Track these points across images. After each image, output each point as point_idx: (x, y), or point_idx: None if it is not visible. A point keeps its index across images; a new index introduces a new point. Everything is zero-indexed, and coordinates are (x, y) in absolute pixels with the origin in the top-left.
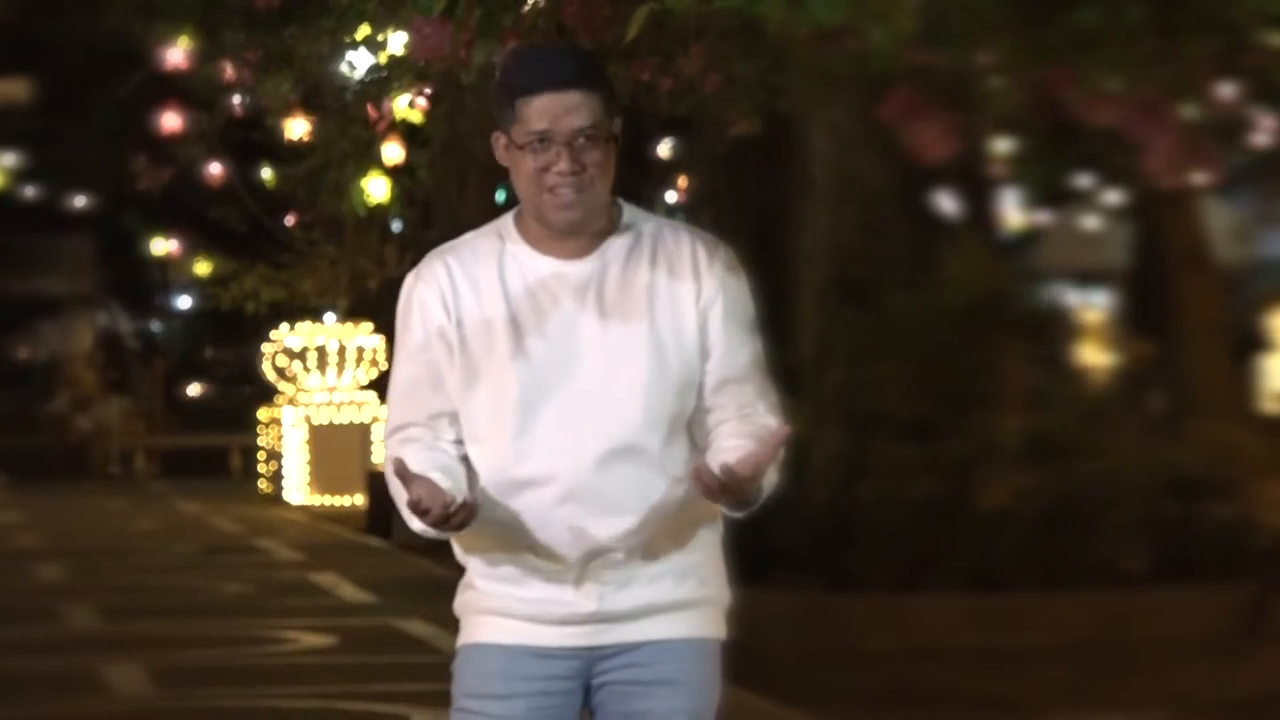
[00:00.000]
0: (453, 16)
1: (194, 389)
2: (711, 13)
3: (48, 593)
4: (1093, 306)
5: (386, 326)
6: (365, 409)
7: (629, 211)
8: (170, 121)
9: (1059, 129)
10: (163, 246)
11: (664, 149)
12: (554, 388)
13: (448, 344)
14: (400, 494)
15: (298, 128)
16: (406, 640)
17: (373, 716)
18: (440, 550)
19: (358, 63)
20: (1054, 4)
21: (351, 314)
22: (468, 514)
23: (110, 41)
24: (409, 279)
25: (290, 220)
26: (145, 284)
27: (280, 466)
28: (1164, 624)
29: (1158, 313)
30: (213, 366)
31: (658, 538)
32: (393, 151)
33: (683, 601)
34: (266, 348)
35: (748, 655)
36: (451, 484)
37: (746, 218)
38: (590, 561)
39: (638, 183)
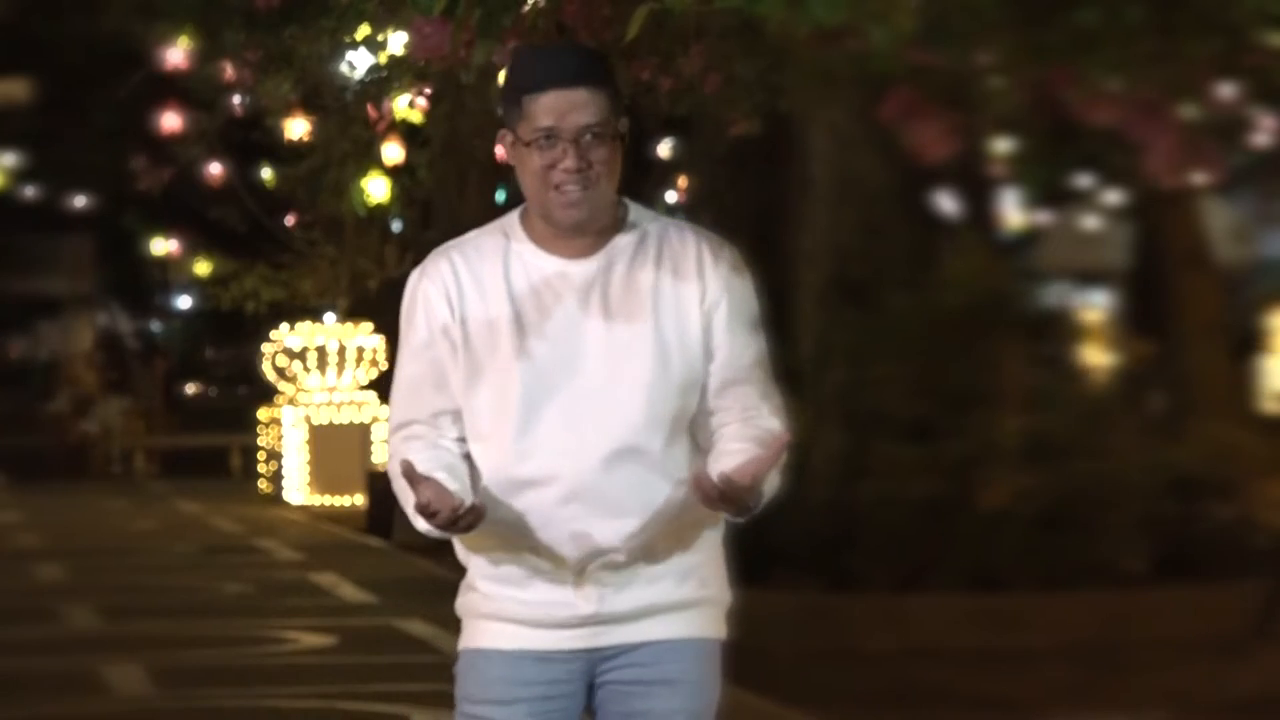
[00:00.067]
0: (453, 16)
1: (190, 388)
2: (711, 13)
3: (48, 593)
4: (1093, 306)
5: (386, 326)
6: (365, 409)
7: (634, 211)
8: (170, 121)
9: (1059, 129)
10: (163, 246)
11: (664, 149)
12: (557, 387)
13: (451, 342)
14: (406, 494)
15: (298, 128)
16: (406, 640)
17: (373, 716)
18: (440, 550)
19: (358, 63)
20: (1054, 4)
21: (351, 314)
22: (475, 517)
23: (110, 41)
24: (414, 276)
25: (290, 220)
26: (145, 284)
27: (280, 466)
28: (1164, 624)
29: (1158, 313)
30: (212, 366)
31: (659, 539)
32: (393, 151)
33: (683, 602)
34: (266, 348)
35: (748, 655)
36: (457, 485)
37: (746, 218)
38: (591, 563)
39: (638, 183)
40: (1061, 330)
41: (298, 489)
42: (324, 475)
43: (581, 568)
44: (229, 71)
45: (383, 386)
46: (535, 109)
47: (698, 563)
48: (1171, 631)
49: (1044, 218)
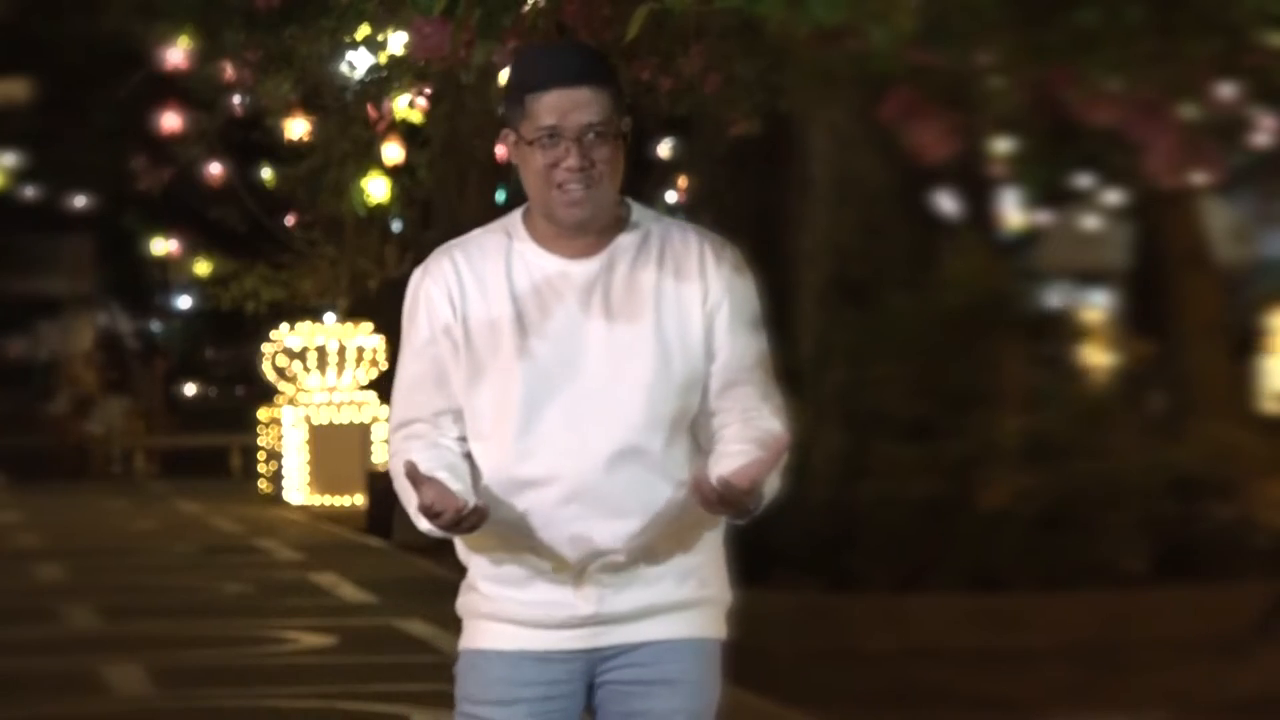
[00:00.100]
0: (453, 16)
1: (189, 388)
2: (711, 13)
3: (48, 593)
4: (1093, 306)
5: (386, 326)
6: (365, 409)
7: (637, 211)
8: (170, 121)
9: (1059, 129)
10: (163, 246)
11: (664, 149)
12: (559, 387)
13: (453, 341)
14: (408, 492)
15: (298, 128)
16: (406, 640)
17: (373, 716)
18: (440, 550)
19: (358, 63)
20: (1054, 4)
21: (351, 314)
22: (479, 518)
23: (110, 41)
24: (416, 274)
25: (290, 220)
26: (145, 284)
27: (280, 466)
28: (1164, 624)
29: (1158, 313)
30: (212, 366)
31: (659, 540)
32: (393, 151)
33: (683, 602)
34: (266, 348)
35: (748, 655)
36: (460, 485)
37: (746, 218)
38: (590, 564)
39: (638, 183)
40: (1061, 330)
41: (298, 489)
42: (324, 475)
43: (581, 568)
44: (229, 71)
45: (383, 386)
46: (538, 108)
47: (698, 563)
48: (1171, 631)
49: (1044, 218)
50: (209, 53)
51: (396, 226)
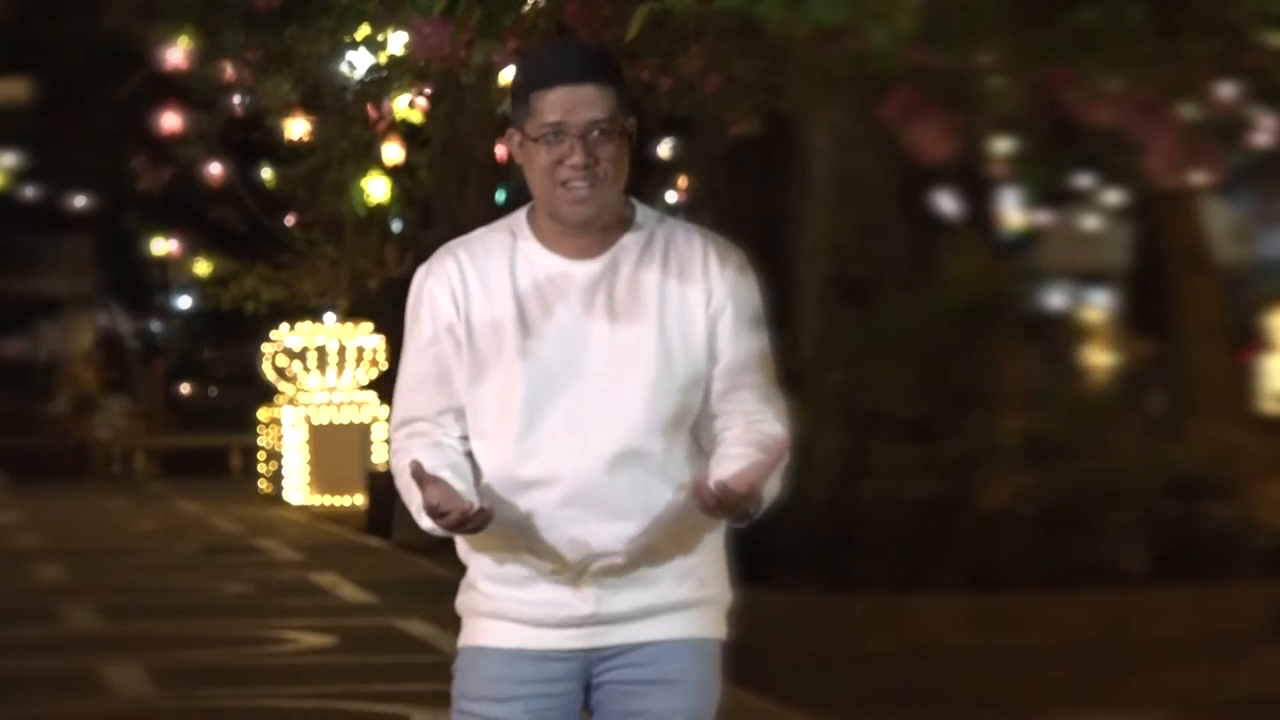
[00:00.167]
0: (453, 16)
1: (185, 388)
2: (711, 13)
3: (48, 593)
4: (1093, 306)
5: (386, 326)
6: (365, 409)
7: (641, 212)
8: (170, 121)
9: (1059, 129)
10: (163, 246)
11: (664, 149)
12: (561, 388)
13: (456, 340)
14: (410, 491)
15: (298, 128)
16: (406, 640)
17: (373, 716)
18: (440, 550)
19: (358, 63)
20: (1054, 4)
21: (351, 314)
22: (484, 519)
23: (110, 41)
24: (420, 273)
25: (290, 220)
26: (145, 284)
27: (280, 466)
28: (1164, 624)
29: (1158, 313)
30: (212, 366)
31: (659, 542)
32: (393, 151)
33: (682, 602)
34: (266, 348)
35: (748, 655)
36: (463, 485)
37: (746, 218)
38: (590, 565)
39: (638, 183)
40: (1061, 330)
41: (298, 489)
42: (324, 475)
43: (581, 569)
44: (229, 71)
45: (383, 386)
46: (543, 105)
47: (697, 563)
48: (1171, 631)
49: (1044, 218)
50: (209, 53)
51: (396, 226)
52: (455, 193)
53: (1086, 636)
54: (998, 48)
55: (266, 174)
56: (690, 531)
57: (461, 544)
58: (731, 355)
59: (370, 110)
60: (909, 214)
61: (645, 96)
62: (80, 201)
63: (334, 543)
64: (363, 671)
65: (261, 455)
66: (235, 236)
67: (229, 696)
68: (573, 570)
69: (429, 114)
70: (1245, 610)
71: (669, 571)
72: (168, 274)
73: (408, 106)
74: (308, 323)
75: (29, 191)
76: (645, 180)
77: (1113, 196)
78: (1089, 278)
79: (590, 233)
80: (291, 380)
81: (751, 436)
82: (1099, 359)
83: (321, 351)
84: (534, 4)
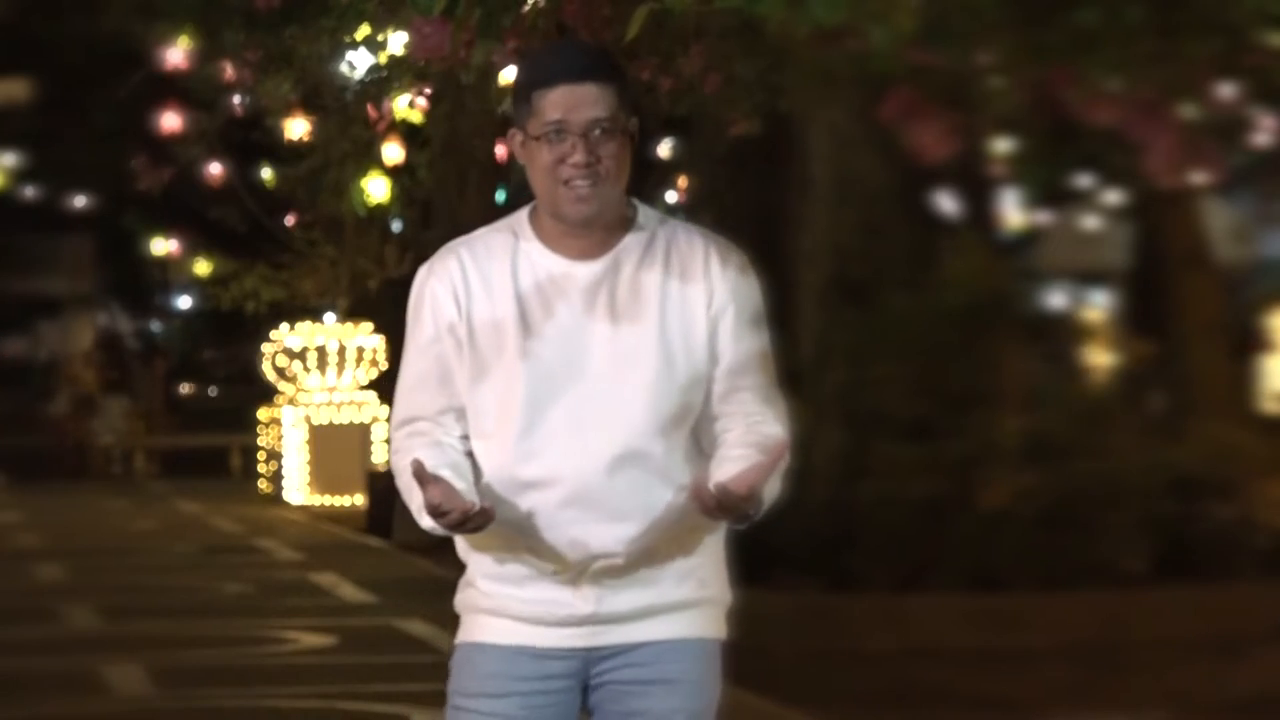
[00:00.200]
0: (453, 16)
1: (185, 388)
2: (711, 13)
3: (48, 593)
4: (1093, 306)
5: (386, 326)
6: (365, 409)
7: (643, 212)
8: (170, 121)
9: (1059, 129)
10: (163, 246)
11: (664, 149)
12: (562, 388)
13: (457, 340)
14: (411, 490)
15: (298, 128)
16: (406, 640)
17: (373, 716)
18: (440, 550)
19: (358, 63)
20: (1054, 4)
21: (351, 314)
22: (485, 519)
23: (110, 41)
24: (422, 272)
25: (290, 220)
26: (145, 284)
27: (280, 466)
28: (1164, 624)
29: (1158, 313)
30: (212, 366)
31: (659, 543)
32: (393, 151)
33: (682, 602)
34: (266, 348)
35: (748, 655)
36: (464, 484)
37: (746, 218)
38: (590, 565)
39: (638, 183)
40: (1061, 330)
41: (298, 489)
42: (324, 475)
43: (581, 569)
44: (229, 71)
45: (383, 386)
46: (544, 104)
47: (697, 563)
48: (1171, 631)
49: (1044, 218)
50: (209, 53)
51: (396, 226)
52: (455, 193)
53: (1086, 636)
54: (998, 48)
55: (266, 174)
56: (690, 532)
57: (461, 543)
58: (732, 356)
59: (370, 110)
60: (909, 214)
61: (645, 96)
62: (80, 201)
63: (334, 543)
64: (363, 671)
65: (261, 455)
66: (235, 236)
67: (229, 696)
68: (573, 570)
69: (429, 114)
70: (1245, 610)
71: (669, 572)
72: (168, 274)
73: (408, 106)
74: (308, 323)
75: (29, 191)
76: (645, 180)
77: (1113, 196)
78: (1089, 278)
79: (592, 232)
80: (291, 380)
81: (752, 438)
82: (1099, 359)
83: (321, 351)
84: (534, 4)
